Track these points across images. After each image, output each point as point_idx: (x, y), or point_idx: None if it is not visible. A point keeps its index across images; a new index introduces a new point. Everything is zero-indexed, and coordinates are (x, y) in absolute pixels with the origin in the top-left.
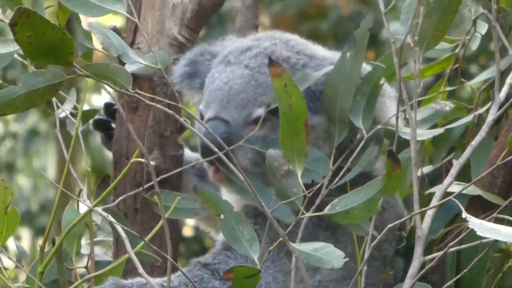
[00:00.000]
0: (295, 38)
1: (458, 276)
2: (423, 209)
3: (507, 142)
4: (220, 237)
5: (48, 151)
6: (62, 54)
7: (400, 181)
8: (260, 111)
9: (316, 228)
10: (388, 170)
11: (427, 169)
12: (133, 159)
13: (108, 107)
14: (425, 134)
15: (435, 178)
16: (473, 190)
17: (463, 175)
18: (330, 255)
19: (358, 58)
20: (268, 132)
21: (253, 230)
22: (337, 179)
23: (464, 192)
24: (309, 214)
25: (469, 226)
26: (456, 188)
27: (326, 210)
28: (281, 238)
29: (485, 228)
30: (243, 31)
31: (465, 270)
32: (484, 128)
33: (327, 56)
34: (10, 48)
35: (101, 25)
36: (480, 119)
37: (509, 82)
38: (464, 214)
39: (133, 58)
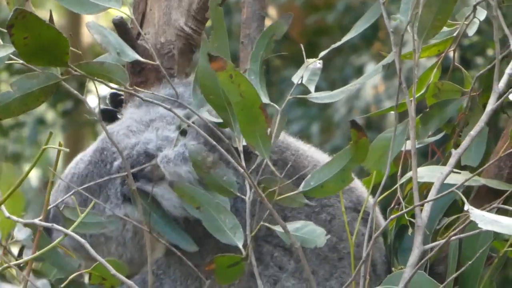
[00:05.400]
0: None
1: (462, 270)
2: (423, 201)
3: None
4: None
5: (56, 140)
6: (58, 54)
7: (367, 148)
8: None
9: None
10: (353, 139)
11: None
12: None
13: (114, 97)
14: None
15: (419, 155)
16: (476, 180)
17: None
18: (312, 233)
19: (222, 37)
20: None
21: (235, 218)
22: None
23: (468, 184)
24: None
25: (470, 218)
26: (453, 177)
27: (301, 188)
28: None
29: (487, 220)
30: (249, 22)
31: (469, 263)
32: (483, 118)
33: None
34: (2, 52)
35: (98, 24)
36: (474, 104)
37: (508, 72)
38: (466, 206)
39: (130, 55)
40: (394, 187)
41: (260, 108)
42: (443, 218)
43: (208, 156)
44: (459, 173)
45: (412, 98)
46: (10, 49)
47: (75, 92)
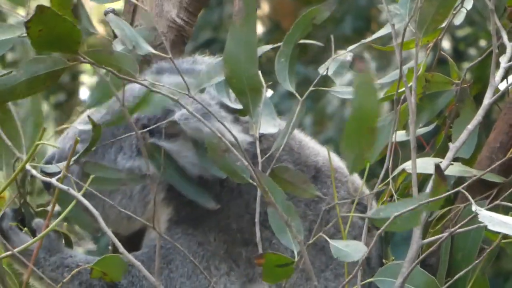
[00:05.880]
0: None
1: (461, 273)
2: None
3: (505, 125)
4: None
5: (48, 132)
6: (69, 43)
7: (443, 197)
8: None
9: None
10: (434, 185)
11: (400, 136)
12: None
13: None
14: None
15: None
16: (468, 171)
17: (444, 151)
18: (354, 250)
19: (251, 23)
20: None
21: (300, 223)
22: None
23: (459, 174)
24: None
25: (479, 219)
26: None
27: (370, 214)
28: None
29: (495, 222)
30: (241, 13)
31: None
32: (480, 112)
33: None
34: (9, 34)
35: (117, 17)
36: (465, 95)
37: (504, 66)
38: (474, 207)
39: (145, 48)
40: (387, 180)
41: (374, 128)
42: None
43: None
44: (452, 164)
45: (412, 91)
46: (19, 31)
47: None
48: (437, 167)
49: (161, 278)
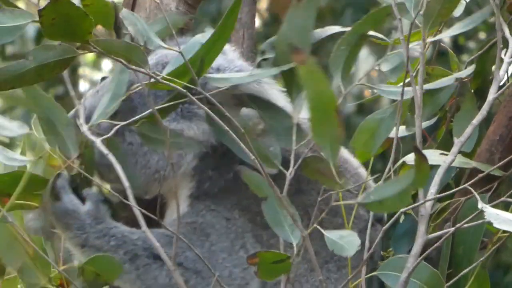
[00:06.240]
0: None
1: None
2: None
3: (505, 118)
4: None
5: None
6: (81, 33)
7: (427, 173)
8: None
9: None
10: (416, 164)
11: (401, 132)
12: None
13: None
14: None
15: (410, 141)
16: (467, 162)
17: (445, 145)
18: (349, 243)
19: (310, 8)
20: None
21: (298, 215)
22: None
23: (459, 165)
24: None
25: (485, 217)
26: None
27: (360, 199)
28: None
29: (501, 219)
30: (241, 6)
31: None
32: (485, 107)
33: None
34: (19, 20)
35: (131, 14)
36: (465, 89)
37: (507, 60)
38: (480, 204)
39: (156, 42)
40: (389, 173)
41: (335, 110)
42: (436, 203)
43: (259, 123)
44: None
45: (418, 86)
46: (29, 18)
47: None
48: (415, 147)
49: (202, 251)
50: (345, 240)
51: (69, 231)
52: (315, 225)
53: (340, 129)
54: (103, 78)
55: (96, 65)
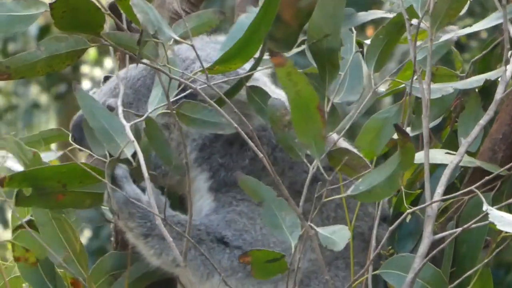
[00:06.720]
0: None
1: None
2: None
3: (507, 117)
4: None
5: (49, 124)
6: (92, 26)
7: (413, 154)
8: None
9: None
10: (400, 144)
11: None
12: None
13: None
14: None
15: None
16: (471, 161)
17: (450, 145)
18: (340, 237)
19: None
20: None
21: (295, 216)
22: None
23: (463, 165)
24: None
25: (489, 219)
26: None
27: (350, 192)
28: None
29: (506, 222)
30: (243, 5)
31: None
32: (492, 107)
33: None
34: (32, 10)
35: (143, 3)
36: (470, 89)
37: None
38: (485, 206)
39: (167, 33)
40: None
41: (316, 108)
42: (439, 202)
43: (286, 115)
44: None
45: (426, 86)
46: (42, 7)
47: None
48: (396, 126)
49: (256, 235)
50: (336, 235)
51: (132, 220)
52: (309, 223)
53: (323, 126)
54: (106, 77)
55: (98, 63)
